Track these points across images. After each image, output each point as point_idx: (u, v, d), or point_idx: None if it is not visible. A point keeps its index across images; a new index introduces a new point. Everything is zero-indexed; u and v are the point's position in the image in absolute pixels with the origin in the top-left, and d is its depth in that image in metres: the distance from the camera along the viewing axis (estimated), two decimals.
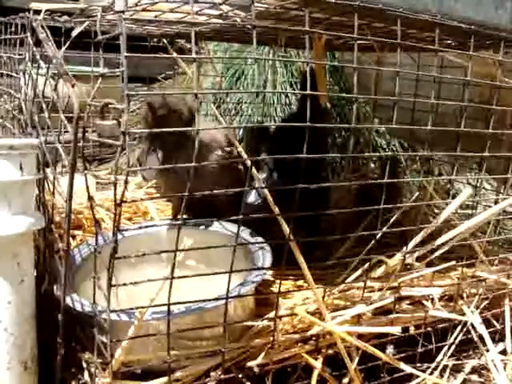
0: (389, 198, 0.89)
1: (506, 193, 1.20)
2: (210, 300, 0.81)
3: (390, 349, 0.97)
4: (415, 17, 0.85)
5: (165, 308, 0.74)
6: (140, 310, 0.75)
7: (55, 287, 0.87)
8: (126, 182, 0.65)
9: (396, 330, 0.90)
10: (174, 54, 0.83)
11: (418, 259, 1.03)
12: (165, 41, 1.04)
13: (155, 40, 1.69)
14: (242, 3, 0.82)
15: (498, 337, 1.13)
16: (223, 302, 0.79)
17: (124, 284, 0.70)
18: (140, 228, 1.17)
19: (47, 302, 0.88)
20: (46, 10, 0.89)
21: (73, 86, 0.73)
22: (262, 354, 0.88)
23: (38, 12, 0.91)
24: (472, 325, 1.05)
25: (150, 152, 1.06)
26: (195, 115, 1.06)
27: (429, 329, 1.05)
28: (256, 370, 0.87)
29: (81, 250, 1.04)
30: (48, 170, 0.89)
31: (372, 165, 1.87)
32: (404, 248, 0.98)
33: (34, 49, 0.91)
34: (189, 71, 1.09)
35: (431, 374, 1.02)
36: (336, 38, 1.24)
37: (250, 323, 0.92)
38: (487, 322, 1.10)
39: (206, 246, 0.78)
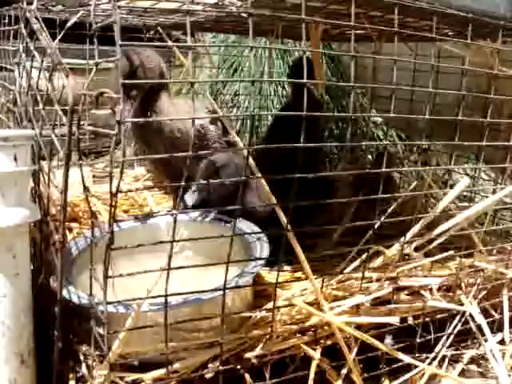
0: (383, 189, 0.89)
1: (503, 183, 1.20)
2: (207, 291, 0.81)
3: (388, 339, 0.97)
4: (412, 5, 0.84)
5: (162, 299, 0.73)
6: (137, 301, 0.74)
7: (52, 280, 0.87)
8: (122, 173, 0.65)
9: (394, 320, 0.90)
10: (170, 43, 0.82)
11: (417, 249, 1.03)
12: (160, 30, 1.03)
13: (151, 32, 1.68)
14: None
15: (497, 327, 1.13)
16: (221, 293, 0.78)
17: (120, 275, 0.69)
18: (136, 219, 1.17)
19: (44, 294, 0.88)
20: (40, 0, 0.88)
21: (67, 76, 0.72)
22: (260, 345, 0.88)
23: (31, 3, 0.90)
24: (470, 315, 1.05)
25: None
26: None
27: (427, 319, 1.05)
28: (254, 361, 0.87)
29: (77, 242, 1.04)
30: (43, 163, 0.88)
31: (369, 156, 1.87)
32: (402, 238, 0.97)
33: (28, 40, 0.90)
34: (185, 62, 1.09)
35: (430, 364, 1.01)
36: (333, 26, 1.23)
37: (247, 314, 0.92)
38: (485, 312, 1.10)
39: (202, 237, 0.78)
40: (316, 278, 0.88)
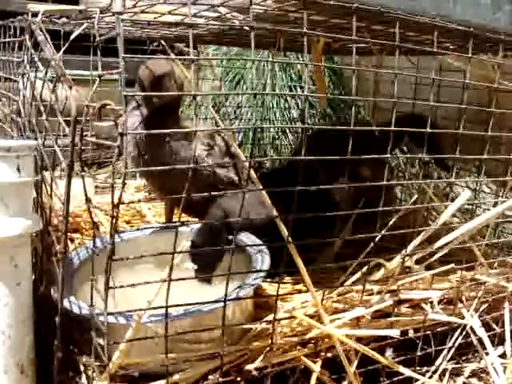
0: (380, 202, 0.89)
1: (504, 196, 1.20)
2: (208, 303, 0.81)
3: (389, 352, 0.97)
4: (414, 19, 0.85)
5: (163, 311, 0.73)
6: (138, 312, 0.75)
7: (53, 290, 0.87)
8: (124, 184, 0.65)
9: (395, 333, 0.89)
10: (172, 56, 0.83)
11: (418, 262, 1.02)
12: (163, 42, 1.03)
13: (155, 44, 1.69)
14: (240, 5, 0.82)
15: (498, 340, 1.12)
16: (221, 304, 0.78)
17: (121, 286, 0.69)
18: (138, 230, 1.17)
19: (45, 304, 0.88)
20: (44, 12, 0.89)
21: (70, 87, 0.73)
22: (261, 357, 0.88)
23: (36, 15, 0.91)
24: (471, 328, 1.05)
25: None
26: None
27: (428, 332, 1.04)
28: (254, 373, 0.87)
29: (79, 252, 1.04)
30: (46, 173, 0.89)
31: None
32: (403, 251, 0.97)
33: (33, 51, 0.91)
34: (188, 74, 1.09)
35: (430, 377, 1.01)
36: (335, 40, 1.24)
37: (248, 326, 0.92)
38: (487, 326, 1.10)
39: (203, 248, 0.78)
40: (316, 291, 0.88)
